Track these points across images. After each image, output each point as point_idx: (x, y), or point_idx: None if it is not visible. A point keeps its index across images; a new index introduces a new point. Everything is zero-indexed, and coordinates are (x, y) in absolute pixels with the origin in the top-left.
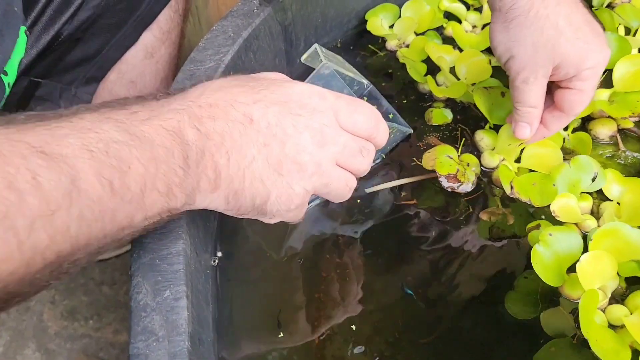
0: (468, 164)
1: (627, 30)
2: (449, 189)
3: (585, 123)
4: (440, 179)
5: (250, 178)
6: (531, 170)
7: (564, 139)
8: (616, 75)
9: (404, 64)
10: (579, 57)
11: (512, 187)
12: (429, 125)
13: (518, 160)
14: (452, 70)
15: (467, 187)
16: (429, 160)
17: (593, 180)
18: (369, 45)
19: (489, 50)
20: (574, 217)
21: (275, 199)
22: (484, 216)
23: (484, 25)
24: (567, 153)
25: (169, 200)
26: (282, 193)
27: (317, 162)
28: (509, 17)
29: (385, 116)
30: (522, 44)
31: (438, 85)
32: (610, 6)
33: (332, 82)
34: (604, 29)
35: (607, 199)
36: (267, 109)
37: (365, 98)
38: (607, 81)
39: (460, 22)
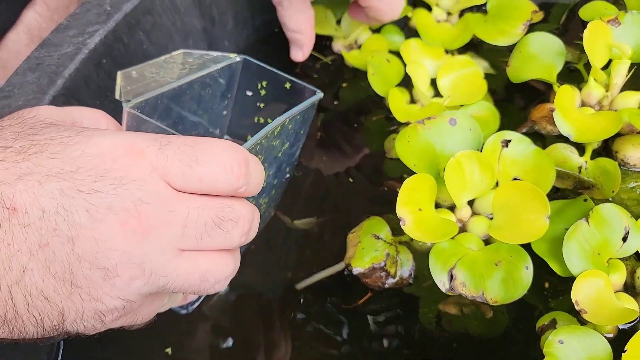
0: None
1: None
2: (376, 288)
3: (608, 142)
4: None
5: (24, 297)
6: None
7: (580, 167)
8: None
9: (357, 73)
10: None
11: (451, 277)
12: (388, 160)
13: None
14: (435, 83)
15: (405, 271)
16: (351, 246)
17: (624, 239)
18: (312, 52)
19: (470, 46)
20: (611, 315)
21: (76, 317)
22: (450, 308)
23: (462, 12)
24: (585, 188)
25: None
26: (84, 310)
27: (138, 261)
28: None
29: (280, 88)
30: None
31: (413, 101)
32: None
33: (142, 127)
34: None
35: None
36: (40, 188)
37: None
38: (635, 79)
39: (430, 9)
